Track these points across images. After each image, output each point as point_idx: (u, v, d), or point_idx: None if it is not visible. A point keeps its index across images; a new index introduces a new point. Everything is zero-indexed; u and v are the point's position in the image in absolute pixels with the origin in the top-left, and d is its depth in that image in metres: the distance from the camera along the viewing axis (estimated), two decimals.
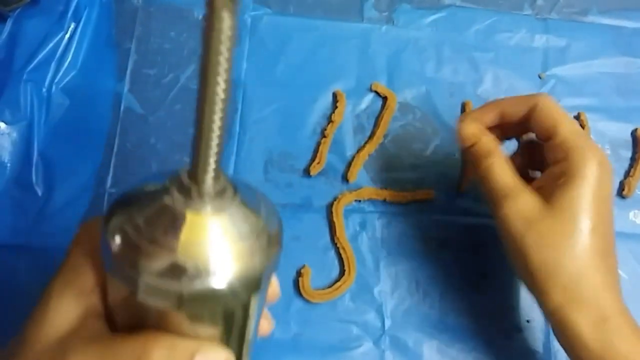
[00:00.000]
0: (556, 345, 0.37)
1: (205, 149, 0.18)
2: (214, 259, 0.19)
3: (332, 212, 0.38)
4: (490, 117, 0.33)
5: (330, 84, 0.42)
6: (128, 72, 0.41)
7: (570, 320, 0.29)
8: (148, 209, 0.19)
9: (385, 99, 0.41)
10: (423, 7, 0.44)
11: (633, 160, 0.41)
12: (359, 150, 0.40)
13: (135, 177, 0.39)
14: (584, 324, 0.29)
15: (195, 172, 0.19)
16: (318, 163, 0.39)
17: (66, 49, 0.41)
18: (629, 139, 0.42)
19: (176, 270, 0.18)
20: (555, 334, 0.31)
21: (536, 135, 0.33)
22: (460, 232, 0.39)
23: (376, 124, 0.41)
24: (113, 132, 0.40)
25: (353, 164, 0.40)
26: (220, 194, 0.19)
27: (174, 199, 0.19)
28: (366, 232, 0.39)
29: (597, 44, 0.44)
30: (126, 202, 0.20)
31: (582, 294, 0.29)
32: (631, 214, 0.40)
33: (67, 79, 0.40)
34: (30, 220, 0.37)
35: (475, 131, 0.33)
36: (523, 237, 0.30)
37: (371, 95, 0.42)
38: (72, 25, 0.41)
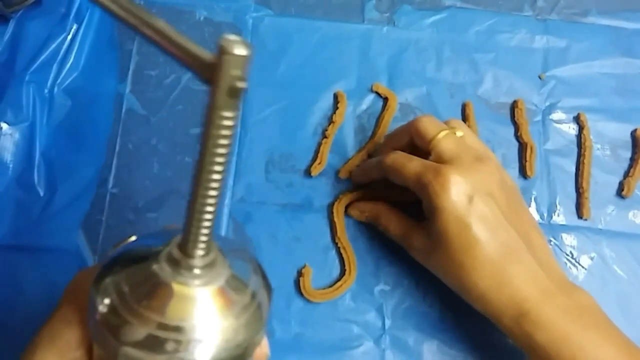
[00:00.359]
0: None
1: (197, 224, 0.18)
2: (196, 334, 0.19)
3: (332, 212, 0.38)
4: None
5: (332, 84, 0.42)
6: (130, 73, 0.42)
7: (502, 325, 0.32)
8: (136, 276, 0.19)
9: (386, 99, 0.42)
10: (424, 8, 0.45)
11: (632, 160, 0.41)
12: (359, 151, 0.40)
13: (137, 177, 0.39)
14: (509, 326, 0.31)
15: (185, 245, 0.19)
16: (319, 163, 0.39)
17: (68, 50, 0.41)
18: (629, 139, 0.42)
19: (156, 344, 0.18)
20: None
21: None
22: None
23: (377, 125, 0.41)
24: (115, 132, 0.40)
25: (349, 162, 0.40)
26: (209, 266, 0.19)
27: (162, 269, 0.19)
28: (366, 232, 0.39)
29: (597, 44, 0.44)
30: (116, 265, 0.20)
31: (497, 301, 0.31)
32: (630, 214, 0.40)
33: (69, 80, 0.41)
34: (32, 220, 0.37)
35: (357, 212, 0.38)
36: (428, 265, 0.35)
37: (372, 96, 0.42)
38: (74, 27, 0.41)
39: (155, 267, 0.19)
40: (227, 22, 0.43)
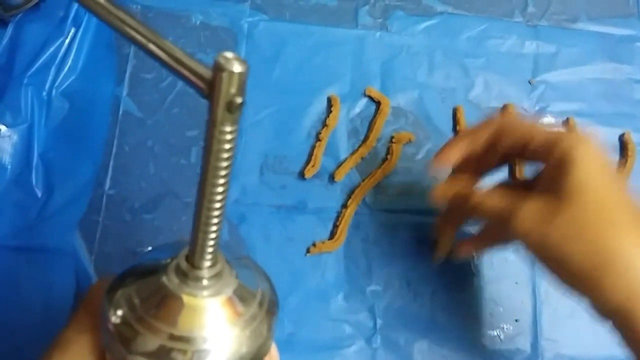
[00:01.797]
0: (544, 344, 0.38)
1: (203, 236, 0.19)
2: (206, 345, 0.19)
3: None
4: (462, 151, 0.32)
5: (325, 88, 0.43)
6: (127, 76, 0.42)
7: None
8: (146, 288, 0.20)
9: (378, 103, 0.42)
10: (416, 14, 0.45)
11: (620, 164, 0.42)
12: (352, 154, 0.41)
13: (133, 178, 0.40)
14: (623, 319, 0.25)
15: (193, 257, 0.19)
16: (313, 166, 0.40)
17: (66, 54, 0.41)
18: (617, 143, 0.43)
19: (166, 354, 0.19)
20: (621, 336, 0.27)
21: (509, 150, 0.32)
22: None
23: (369, 128, 0.42)
24: (112, 134, 0.41)
25: (343, 165, 0.40)
26: (217, 277, 0.20)
27: (171, 281, 0.20)
28: (359, 233, 0.40)
29: (586, 50, 0.45)
30: (128, 277, 0.21)
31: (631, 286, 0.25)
32: None
33: (67, 82, 0.41)
34: (30, 221, 0.38)
35: (443, 192, 0.33)
36: (545, 239, 0.27)
37: (365, 100, 0.43)
38: (72, 30, 0.42)
39: (164, 279, 0.20)
40: (223, 26, 0.44)
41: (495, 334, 0.38)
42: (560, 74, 0.44)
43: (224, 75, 0.16)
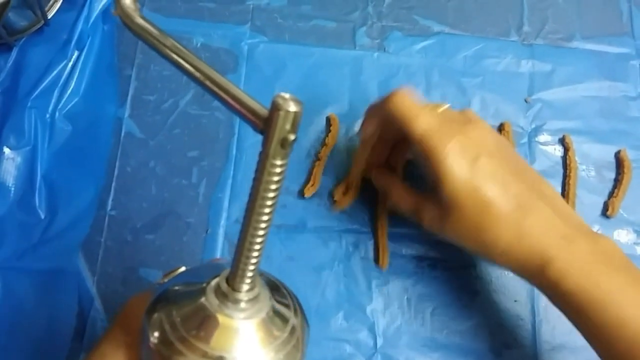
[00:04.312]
0: None
1: (245, 260, 0.20)
2: None
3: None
4: (373, 129, 0.37)
5: (324, 108, 0.43)
6: (129, 98, 0.43)
7: (528, 279, 0.32)
8: (186, 308, 0.21)
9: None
10: (413, 34, 0.46)
11: (616, 181, 0.43)
12: (350, 178, 0.41)
13: (135, 199, 0.40)
14: (535, 278, 0.31)
15: (233, 279, 0.20)
16: (312, 185, 0.41)
17: (69, 77, 0.42)
18: (613, 160, 0.44)
19: None
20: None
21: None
22: (450, 251, 0.40)
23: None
24: (114, 156, 0.41)
25: (342, 184, 0.41)
26: (254, 300, 0.21)
27: (210, 302, 0.20)
28: (359, 252, 0.40)
29: (581, 68, 0.46)
30: (168, 297, 0.22)
31: (519, 254, 0.31)
32: (615, 234, 0.41)
33: (70, 105, 0.42)
34: (33, 242, 0.38)
35: (376, 175, 0.39)
36: (445, 234, 0.34)
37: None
38: (76, 54, 0.42)
39: (203, 299, 0.20)
40: (224, 48, 0.45)
41: (495, 352, 0.38)
42: (556, 92, 0.45)
43: (281, 114, 0.17)
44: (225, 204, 0.41)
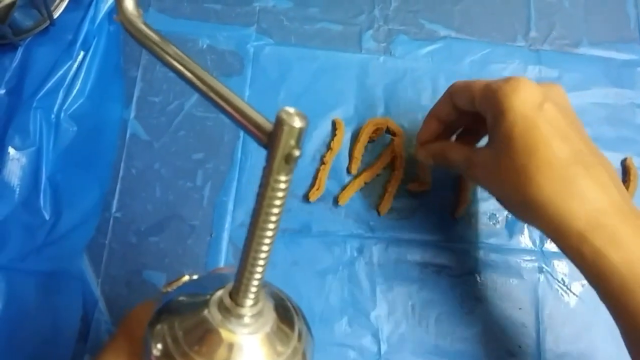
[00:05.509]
0: None
1: (249, 276, 0.19)
2: None
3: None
4: (433, 129, 0.38)
5: (330, 111, 0.43)
6: (134, 99, 0.43)
7: (566, 239, 0.29)
8: (188, 321, 0.20)
9: (393, 134, 0.43)
10: (419, 38, 0.46)
11: None
12: (356, 177, 0.41)
13: (140, 201, 0.40)
14: (575, 241, 0.28)
15: (237, 294, 0.20)
16: (317, 189, 0.41)
17: (75, 77, 0.42)
18: (619, 167, 0.43)
19: None
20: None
21: (465, 109, 0.35)
22: (455, 258, 0.40)
23: (379, 155, 0.42)
24: (119, 157, 0.41)
25: (347, 188, 0.41)
26: (257, 315, 0.20)
27: (213, 316, 0.20)
28: (363, 257, 0.40)
29: (589, 75, 0.46)
30: (170, 309, 0.21)
31: (564, 209, 0.28)
32: None
33: (75, 106, 0.42)
34: (38, 244, 0.38)
35: (424, 153, 0.38)
36: (490, 186, 0.33)
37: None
38: (81, 54, 0.42)
39: (206, 313, 0.20)
40: (230, 50, 0.45)
41: (499, 359, 0.38)
42: None
43: (285, 128, 0.17)
44: (230, 207, 0.40)
